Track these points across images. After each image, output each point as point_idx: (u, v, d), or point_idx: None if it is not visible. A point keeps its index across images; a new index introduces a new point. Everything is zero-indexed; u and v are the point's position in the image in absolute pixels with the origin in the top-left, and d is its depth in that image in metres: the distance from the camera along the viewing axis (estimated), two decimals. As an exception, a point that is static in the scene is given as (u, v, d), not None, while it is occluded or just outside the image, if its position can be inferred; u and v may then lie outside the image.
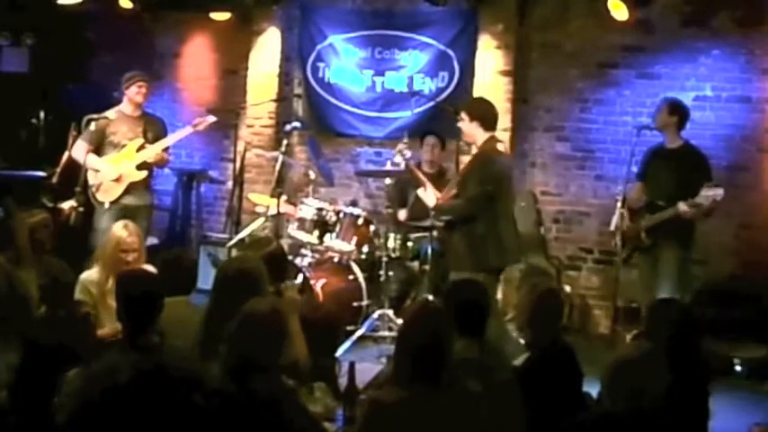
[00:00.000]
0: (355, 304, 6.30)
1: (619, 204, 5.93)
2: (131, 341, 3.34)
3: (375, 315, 6.33)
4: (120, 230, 4.80)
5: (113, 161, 6.37)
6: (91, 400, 2.81)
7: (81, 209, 6.15)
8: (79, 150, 6.28)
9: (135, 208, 6.34)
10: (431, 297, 5.56)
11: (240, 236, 6.53)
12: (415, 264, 6.60)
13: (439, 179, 6.37)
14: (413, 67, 7.66)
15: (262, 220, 6.59)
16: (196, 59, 8.54)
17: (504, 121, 7.21)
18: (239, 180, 7.28)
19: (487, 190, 5.14)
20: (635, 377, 2.83)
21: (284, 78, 8.06)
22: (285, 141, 6.94)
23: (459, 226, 5.27)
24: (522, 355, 3.93)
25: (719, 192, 5.47)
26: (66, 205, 6.26)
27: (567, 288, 7.05)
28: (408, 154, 6.08)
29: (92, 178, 6.32)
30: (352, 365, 3.61)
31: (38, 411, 2.86)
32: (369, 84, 7.81)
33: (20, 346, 3.04)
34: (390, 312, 6.30)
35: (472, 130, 5.27)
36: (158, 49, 8.57)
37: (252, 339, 2.92)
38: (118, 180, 6.34)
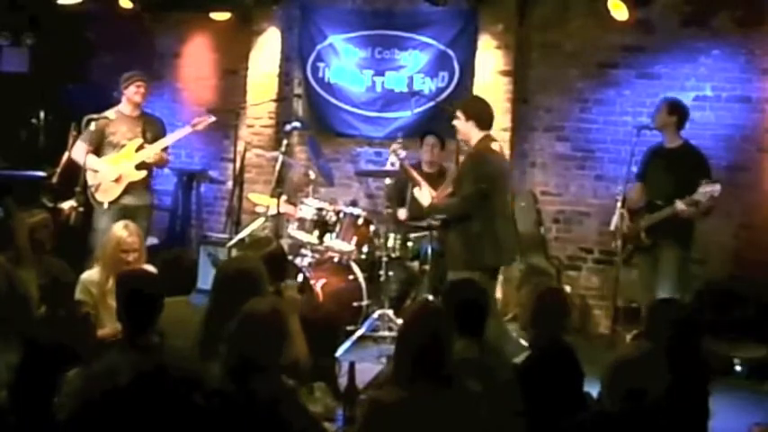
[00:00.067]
0: (355, 304, 6.30)
1: (619, 204, 5.94)
2: (131, 341, 3.34)
3: (375, 315, 6.34)
4: (121, 231, 4.80)
5: (112, 161, 6.37)
6: (91, 400, 2.81)
7: (81, 209, 6.15)
8: (79, 151, 6.28)
9: (134, 208, 6.34)
10: (431, 297, 5.57)
11: (240, 236, 6.53)
12: (415, 264, 6.60)
13: (439, 179, 6.38)
14: (413, 67, 7.66)
15: (262, 220, 6.59)
16: (196, 59, 8.54)
17: (504, 121, 7.23)
18: (239, 180, 7.28)
19: (482, 188, 5.16)
20: (635, 377, 2.83)
21: (284, 78, 8.06)
22: (285, 141, 6.95)
23: (455, 225, 5.29)
24: (523, 354, 3.94)
25: (717, 188, 5.48)
26: (66, 205, 6.26)
27: (567, 288, 7.05)
28: (402, 154, 6.13)
29: (91, 178, 6.32)
30: (352, 365, 3.61)
31: (38, 411, 2.86)
32: (369, 84, 7.81)
33: (20, 345, 3.03)
34: (390, 312, 6.31)
35: (467, 129, 5.31)
36: (158, 49, 8.56)
37: (252, 339, 2.91)
38: (117, 180, 6.34)
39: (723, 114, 6.94)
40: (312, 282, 6.09)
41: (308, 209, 6.47)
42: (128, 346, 3.33)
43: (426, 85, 7.61)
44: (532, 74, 7.47)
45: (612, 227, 6.02)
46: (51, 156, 7.02)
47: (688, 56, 7.02)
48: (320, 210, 6.45)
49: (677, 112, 5.97)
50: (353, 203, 7.39)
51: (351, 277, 6.43)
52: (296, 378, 3.11)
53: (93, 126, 6.22)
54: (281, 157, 6.76)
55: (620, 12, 6.54)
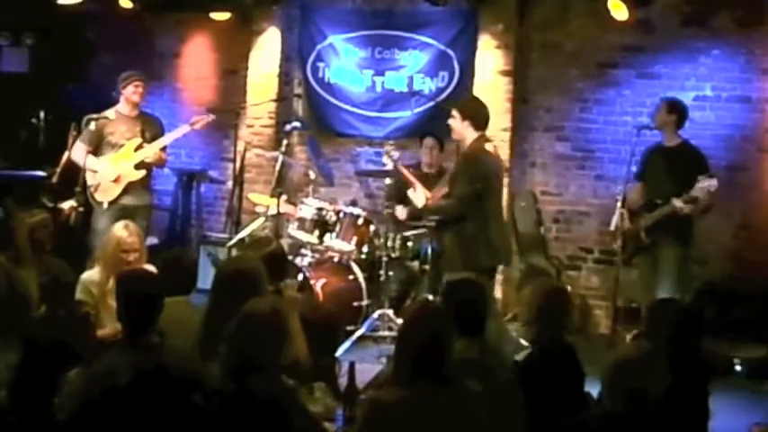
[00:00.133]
0: (355, 304, 6.30)
1: (619, 204, 5.94)
2: (131, 341, 3.34)
3: (375, 315, 6.34)
4: (121, 231, 4.80)
5: (111, 161, 6.37)
6: (91, 400, 2.81)
7: (81, 209, 6.16)
8: (79, 152, 6.29)
9: (134, 208, 6.33)
10: (431, 297, 5.57)
11: (240, 236, 6.52)
12: (415, 264, 6.60)
13: (439, 179, 6.37)
14: (413, 66, 7.66)
15: (262, 220, 6.59)
16: (196, 59, 8.54)
17: (504, 121, 7.23)
18: (239, 180, 7.28)
19: (477, 189, 5.18)
20: (635, 377, 2.83)
21: (284, 78, 8.06)
22: (285, 141, 6.95)
23: (450, 226, 5.31)
24: (524, 352, 3.94)
25: (713, 182, 5.48)
26: (66, 205, 6.27)
27: (568, 288, 7.05)
28: (396, 155, 6.15)
29: (90, 179, 6.32)
30: (352, 365, 3.61)
31: (38, 411, 2.86)
32: (369, 84, 7.80)
33: (20, 345, 3.04)
34: (390, 312, 6.30)
35: (463, 129, 5.34)
36: (158, 49, 8.56)
37: (252, 339, 2.91)
38: (116, 180, 6.34)
39: (723, 114, 6.95)
40: (312, 281, 6.09)
41: (308, 209, 6.47)
42: (128, 346, 3.32)
43: (426, 85, 7.61)
44: (532, 74, 7.47)
45: (612, 227, 6.02)
46: (51, 156, 7.03)
47: (688, 56, 7.03)
48: (320, 210, 6.45)
49: (676, 111, 5.98)
50: (353, 203, 7.37)
51: (351, 277, 6.43)
52: (296, 378, 3.10)
53: (92, 126, 6.22)
54: (281, 157, 6.76)
55: (620, 12, 6.54)
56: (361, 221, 6.50)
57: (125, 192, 6.36)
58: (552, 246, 7.37)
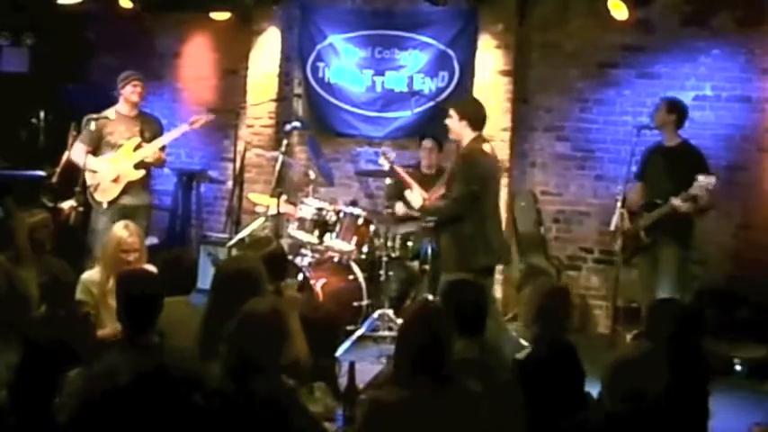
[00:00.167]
0: (355, 304, 6.30)
1: (619, 204, 5.93)
2: (131, 341, 3.34)
3: (375, 315, 6.34)
4: (121, 231, 4.80)
5: (111, 161, 6.37)
6: (91, 401, 2.82)
7: (81, 209, 6.16)
8: (78, 152, 6.29)
9: (133, 208, 6.33)
10: (431, 297, 5.57)
11: (240, 236, 6.53)
12: (415, 264, 6.60)
13: (439, 179, 6.36)
14: (413, 66, 7.66)
15: (262, 220, 6.59)
16: (196, 59, 8.54)
17: (504, 120, 7.24)
18: (239, 180, 7.29)
19: (473, 189, 5.18)
20: (635, 377, 2.83)
21: (284, 78, 8.06)
22: (285, 141, 6.95)
23: (447, 227, 5.31)
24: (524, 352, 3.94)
25: (712, 180, 5.48)
26: (66, 205, 6.27)
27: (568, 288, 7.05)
28: (392, 156, 6.14)
29: (90, 178, 6.31)
30: (352, 365, 3.61)
31: (38, 411, 2.86)
32: (369, 84, 7.80)
33: (20, 345, 3.04)
34: (390, 312, 6.31)
35: (460, 129, 5.34)
36: (158, 49, 8.57)
37: (252, 339, 2.91)
38: (116, 180, 6.34)
39: (723, 114, 6.94)
40: (312, 281, 6.09)
41: (308, 209, 6.47)
42: (128, 346, 3.32)
43: (426, 85, 7.60)
44: (532, 74, 7.47)
45: (612, 227, 6.02)
46: (51, 156, 7.03)
47: (688, 55, 7.03)
48: (320, 210, 6.45)
49: (676, 110, 5.99)
50: (353, 203, 7.37)
51: (351, 277, 6.43)
52: (296, 378, 3.11)
53: (92, 126, 6.22)
54: (281, 157, 6.76)
55: (620, 12, 6.54)
56: (361, 221, 6.49)
57: (124, 191, 6.36)
58: (552, 246, 7.37)
